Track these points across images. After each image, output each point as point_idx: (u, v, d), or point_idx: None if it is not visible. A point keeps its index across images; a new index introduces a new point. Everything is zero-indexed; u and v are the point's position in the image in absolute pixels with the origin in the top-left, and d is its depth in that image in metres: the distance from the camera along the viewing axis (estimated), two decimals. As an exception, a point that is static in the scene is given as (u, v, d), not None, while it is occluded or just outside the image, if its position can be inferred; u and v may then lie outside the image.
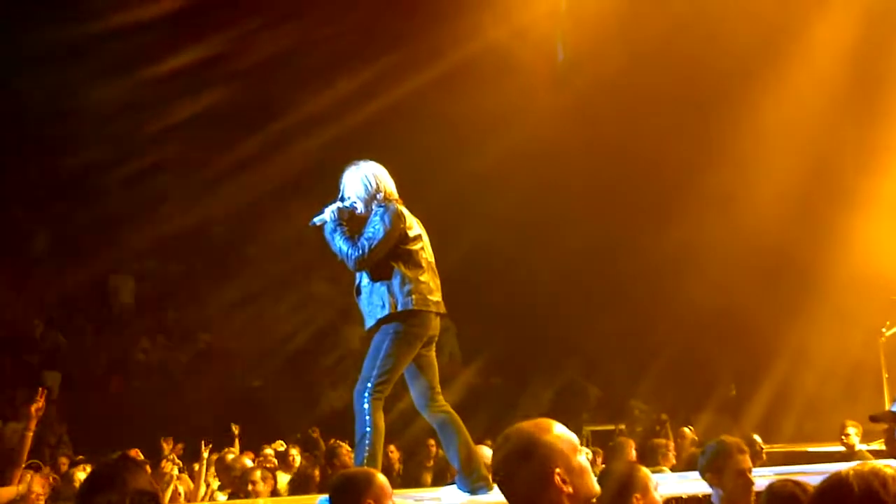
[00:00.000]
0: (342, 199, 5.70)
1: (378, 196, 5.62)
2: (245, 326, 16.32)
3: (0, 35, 16.13)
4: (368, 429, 5.38)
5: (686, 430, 10.13)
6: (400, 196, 5.71)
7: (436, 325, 5.65)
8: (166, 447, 9.50)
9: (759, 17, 13.56)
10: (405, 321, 5.47)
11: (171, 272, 17.89)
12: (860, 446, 8.91)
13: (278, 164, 15.55)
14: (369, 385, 5.46)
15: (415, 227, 5.66)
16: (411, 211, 5.71)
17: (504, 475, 2.65)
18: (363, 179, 5.66)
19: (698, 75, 13.93)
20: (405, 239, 5.55)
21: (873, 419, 8.96)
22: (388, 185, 5.72)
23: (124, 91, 16.30)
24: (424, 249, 5.67)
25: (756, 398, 13.67)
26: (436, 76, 14.96)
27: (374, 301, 5.51)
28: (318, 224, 5.69)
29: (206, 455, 8.57)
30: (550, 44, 16.56)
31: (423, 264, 5.60)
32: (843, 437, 9.00)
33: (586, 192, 15.50)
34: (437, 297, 5.63)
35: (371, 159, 5.77)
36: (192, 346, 16.31)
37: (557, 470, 2.58)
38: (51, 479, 7.47)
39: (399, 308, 5.45)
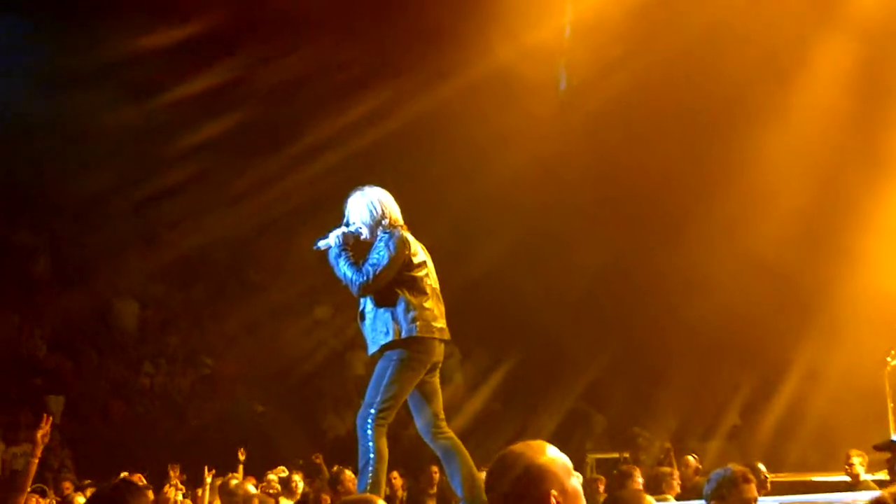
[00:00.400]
0: (347, 224, 5.69)
1: (383, 222, 5.62)
2: (248, 351, 16.30)
3: (14, 59, 16.29)
4: (372, 455, 5.37)
5: (690, 458, 10.08)
6: (408, 221, 5.72)
7: (440, 351, 5.63)
8: (173, 475, 9.46)
9: (763, 39, 13.60)
10: (409, 348, 5.45)
11: (175, 297, 17.90)
12: (865, 476, 8.83)
13: (284, 189, 15.58)
14: (372, 411, 5.45)
15: (420, 253, 5.65)
16: (420, 236, 5.72)
17: (498, 496, 2.65)
18: (368, 205, 5.66)
19: (705, 96, 13.97)
20: (410, 265, 5.53)
21: (877, 448, 8.93)
22: (394, 211, 5.71)
23: (132, 117, 16.43)
24: (429, 276, 5.66)
25: (762, 426, 13.61)
26: (443, 100, 15.06)
27: (377, 327, 5.50)
28: (323, 248, 5.68)
29: (209, 480, 8.55)
30: (557, 66, 16.68)
31: (428, 290, 5.59)
32: (847, 466, 8.93)
33: (592, 217, 15.52)
34: (441, 323, 5.62)
35: (379, 184, 5.79)
36: (195, 370, 16.29)
37: (553, 492, 2.59)
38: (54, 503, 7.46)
39: (403, 335, 5.43)
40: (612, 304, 15.88)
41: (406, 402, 5.63)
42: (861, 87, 12.88)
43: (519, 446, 2.72)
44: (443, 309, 5.70)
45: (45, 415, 6.54)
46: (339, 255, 5.58)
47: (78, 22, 16.19)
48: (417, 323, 5.46)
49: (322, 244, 5.68)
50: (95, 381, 15.30)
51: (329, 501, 8.96)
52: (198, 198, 17.49)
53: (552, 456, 2.66)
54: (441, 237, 15.46)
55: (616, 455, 14.04)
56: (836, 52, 12.98)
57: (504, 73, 15.26)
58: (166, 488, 8.81)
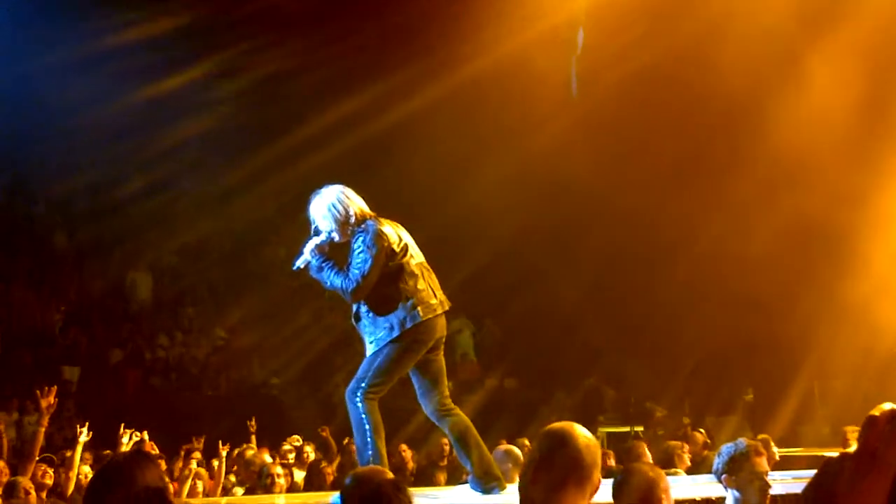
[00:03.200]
0: (317, 233, 5.55)
1: (350, 220, 5.49)
2: (264, 324, 16.37)
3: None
4: (368, 427, 5.35)
5: (698, 433, 10.11)
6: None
7: (442, 325, 5.58)
8: (196, 445, 9.51)
9: (766, 45, 13.46)
10: (414, 333, 5.41)
11: (191, 270, 17.96)
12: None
13: (298, 172, 15.58)
14: (363, 385, 5.42)
15: (398, 237, 5.52)
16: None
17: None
18: (330, 208, 5.51)
19: (721, 81, 13.88)
20: (393, 255, 5.43)
21: None
22: (357, 204, 5.57)
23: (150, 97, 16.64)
24: (413, 256, 5.55)
25: (777, 403, 13.61)
26: (444, 92, 15.13)
27: (380, 325, 5.43)
28: (302, 266, 5.54)
29: (224, 454, 8.62)
30: (557, 63, 16.71)
31: (417, 271, 5.50)
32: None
33: (611, 196, 15.48)
34: (438, 296, 5.56)
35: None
36: (210, 342, 16.37)
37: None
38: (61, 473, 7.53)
39: (408, 325, 5.38)
40: (626, 280, 15.86)
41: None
42: (860, 105, 12.72)
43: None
44: (435, 280, 5.63)
45: (45, 386, 6.62)
46: (320, 269, 5.47)
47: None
48: (419, 308, 5.42)
49: (300, 263, 5.54)
50: (110, 352, 15.40)
51: (334, 474, 9.02)
52: (216, 177, 17.73)
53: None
54: (457, 216, 15.70)
55: (627, 429, 14.08)
56: (835, 66, 12.83)
57: (514, 63, 15.29)
58: (183, 461, 8.89)
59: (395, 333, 5.39)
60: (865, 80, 12.54)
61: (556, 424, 2.84)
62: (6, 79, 16.33)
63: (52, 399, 6.53)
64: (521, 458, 6.77)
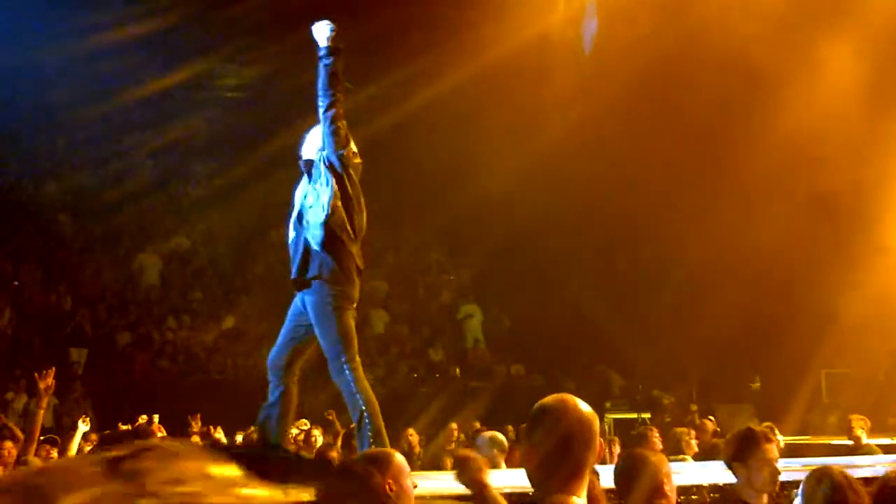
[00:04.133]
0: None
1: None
2: (271, 306, 16.36)
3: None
4: (363, 405, 5.34)
5: (707, 420, 10.10)
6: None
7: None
8: (194, 425, 9.54)
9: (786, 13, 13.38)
10: (342, 290, 5.47)
11: (199, 253, 17.99)
12: (866, 440, 8.93)
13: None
14: (343, 359, 5.41)
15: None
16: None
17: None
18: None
19: (722, 77, 13.85)
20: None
21: None
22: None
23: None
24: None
25: (784, 391, 13.58)
26: (454, 85, 15.15)
27: (329, 290, 5.47)
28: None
29: (218, 436, 8.63)
30: (559, 59, 16.71)
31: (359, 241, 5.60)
32: (849, 430, 9.06)
33: (621, 185, 15.45)
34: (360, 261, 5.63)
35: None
36: (218, 325, 16.38)
37: None
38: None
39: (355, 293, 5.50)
40: (635, 268, 15.83)
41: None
42: (861, 97, 12.64)
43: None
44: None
45: (45, 369, 6.60)
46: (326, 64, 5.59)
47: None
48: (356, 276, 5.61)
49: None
50: (119, 334, 15.43)
51: (339, 457, 9.00)
52: (225, 165, 17.76)
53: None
54: (468, 206, 15.69)
55: (635, 416, 14.08)
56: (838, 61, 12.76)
57: (520, 58, 15.32)
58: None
59: (345, 299, 5.44)
60: (881, 58, 12.47)
61: (550, 398, 2.76)
62: (19, 65, 16.40)
63: (49, 381, 6.52)
64: (506, 444, 6.75)
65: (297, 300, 5.58)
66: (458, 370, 16.04)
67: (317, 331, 5.46)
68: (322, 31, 5.54)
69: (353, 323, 5.52)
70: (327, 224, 5.41)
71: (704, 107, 14.40)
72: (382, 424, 5.35)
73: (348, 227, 5.46)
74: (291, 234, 5.61)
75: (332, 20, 5.52)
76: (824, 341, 13.33)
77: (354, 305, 5.56)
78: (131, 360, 14.98)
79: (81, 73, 16.78)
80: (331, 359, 5.44)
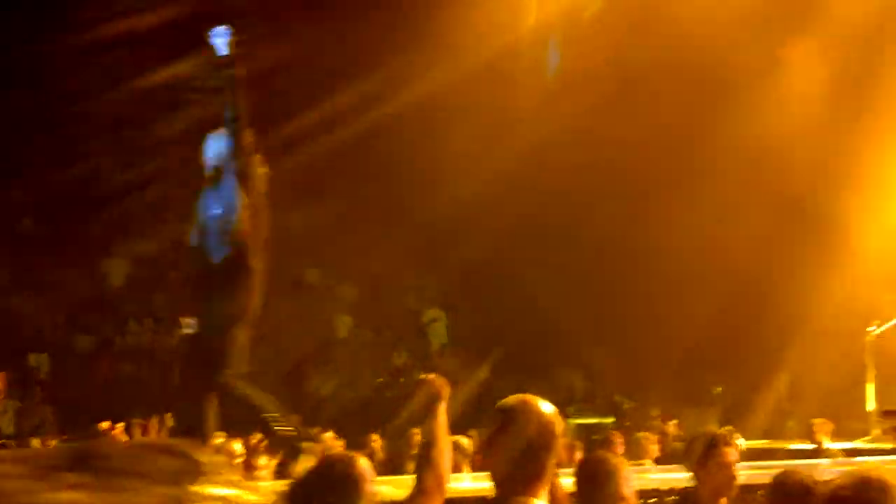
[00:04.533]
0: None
1: None
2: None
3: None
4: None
5: (669, 424, 10.18)
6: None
7: None
8: (154, 427, 9.45)
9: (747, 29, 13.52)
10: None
11: (164, 256, 17.81)
12: (827, 444, 9.02)
13: (282, 166, 15.49)
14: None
15: None
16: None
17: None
18: None
19: (690, 85, 13.97)
20: None
21: (886, 414, 9.20)
22: None
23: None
24: None
25: (746, 396, 13.70)
26: (430, 89, 15.13)
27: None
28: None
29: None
30: (529, 67, 16.81)
31: None
32: (811, 435, 9.16)
33: (589, 190, 15.52)
34: None
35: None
36: (181, 329, 16.22)
37: None
38: None
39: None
40: (601, 272, 15.93)
41: None
42: (839, 95, 12.80)
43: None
44: None
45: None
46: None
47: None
48: None
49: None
50: (80, 338, 15.26)
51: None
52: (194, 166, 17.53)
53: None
54: (437, 211, 15.67)
55: (597, 420, 14.13)
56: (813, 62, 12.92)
57: (497, 62, 15.36)
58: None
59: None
60: (847, 60, 12.61)
61: (513, 398, 2.77)
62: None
63: (1, 386, 6.44)
64: (470, 449, 6.76)
65: None
66: (422, 375, 15.97)
67: None
68: (223, 38, 5.48)
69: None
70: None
71: (673, 114, 14.52)
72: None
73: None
74: None
75: (232, 25, 5.43)
76: (789, 346, 13.47)
77: None
78: (93, 364, 14.83)
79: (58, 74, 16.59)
80: None
